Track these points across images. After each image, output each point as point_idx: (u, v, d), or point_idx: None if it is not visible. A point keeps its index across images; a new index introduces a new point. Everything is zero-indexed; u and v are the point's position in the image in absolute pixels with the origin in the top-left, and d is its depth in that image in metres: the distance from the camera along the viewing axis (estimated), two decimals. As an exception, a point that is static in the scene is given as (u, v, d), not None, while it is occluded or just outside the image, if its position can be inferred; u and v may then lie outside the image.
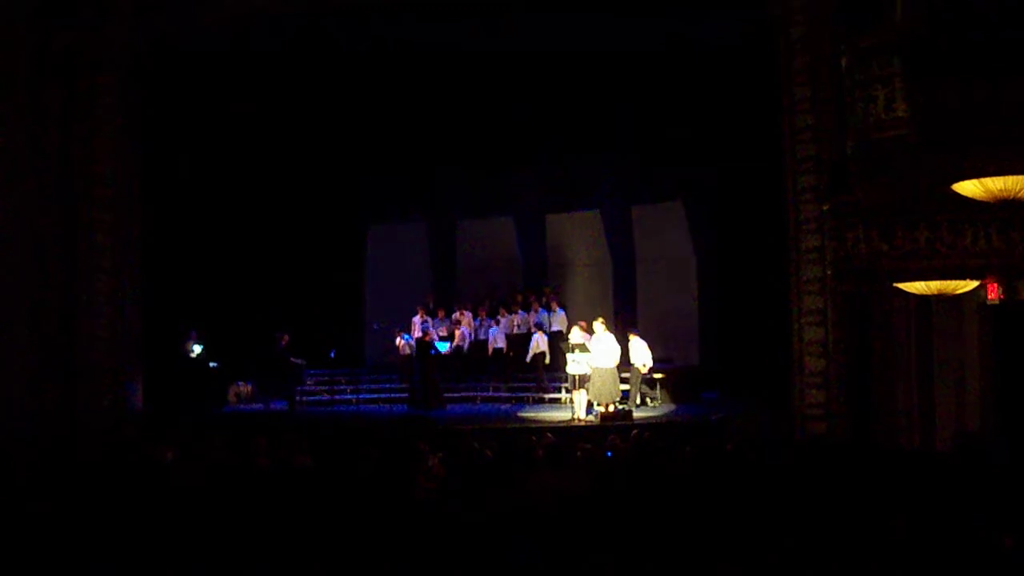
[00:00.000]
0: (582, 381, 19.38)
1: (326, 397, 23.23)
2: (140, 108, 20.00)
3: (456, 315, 24.22)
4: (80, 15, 18.71)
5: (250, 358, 22.94)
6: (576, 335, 20.17)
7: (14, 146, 17.91)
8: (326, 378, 23.74)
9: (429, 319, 23.82)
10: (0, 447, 12.02)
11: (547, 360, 22.80)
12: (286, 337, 22.49)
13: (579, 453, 12.18)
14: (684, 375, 22.70)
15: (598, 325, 19.78)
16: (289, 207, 24.39)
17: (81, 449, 12.35)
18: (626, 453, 12.55)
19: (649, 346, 21.24)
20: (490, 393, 23.39)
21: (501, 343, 23.59)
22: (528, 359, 22.99)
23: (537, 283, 25.15)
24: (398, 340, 23.83)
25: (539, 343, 23.17)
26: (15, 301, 17.73)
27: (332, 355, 22.77)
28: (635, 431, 14.85)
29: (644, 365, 20.61)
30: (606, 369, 19.46)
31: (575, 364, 19.73)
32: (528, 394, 22.92)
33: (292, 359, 22.58)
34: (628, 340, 20.55)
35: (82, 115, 18.86)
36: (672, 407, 21.20)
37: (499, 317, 23.92)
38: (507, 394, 23.18)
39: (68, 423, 17.43)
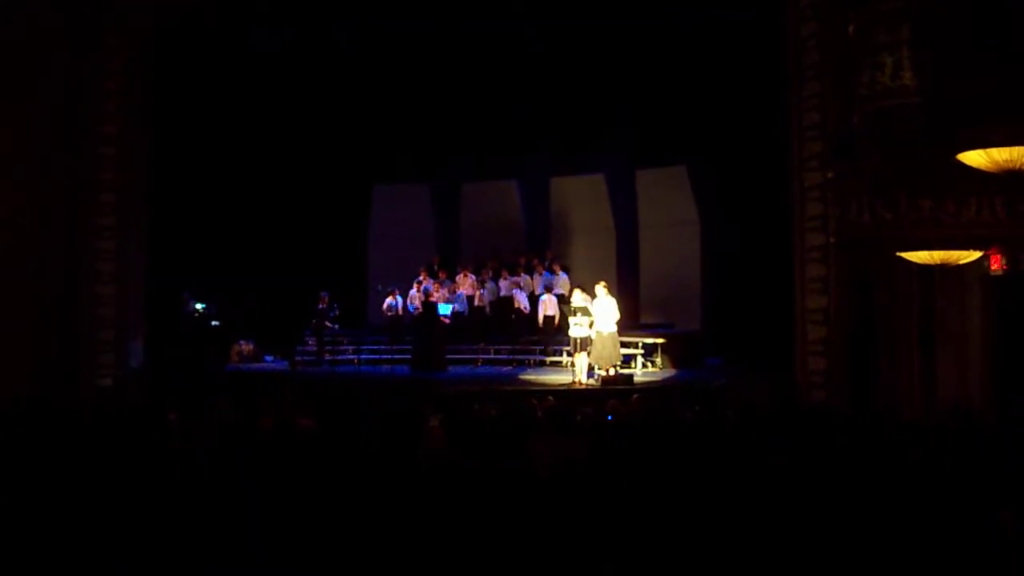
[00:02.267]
0: (583, 345, 19.29)
1: (328, 358, 23.35)
2: (148, 68, 19.99)
3: (459, 277, 24.08)
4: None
5: (252, 316, 23.22)
6: (578, 298, 19.98)
7: (18, 107, 17.88)
8: (328, 339, 23.60)
9: (431, 280, 23.72)
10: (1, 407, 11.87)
11: (556, 323, 22.64)
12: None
13: (579, 417, 12.17)
14: (686, 340, 22.63)
15: (600, 289, 19.67)
16: (293, 164, 24.41)
17: (82, 409, 12.18)
18: (627, 417, 12.52)
19: (652, 310, 21.02)
20: (491, 355, 23.32)
21: (524, 303, 23.50)
22: (540, 322, 22.96)
23: (540, 247, 25.01)
24: (386, 302, 23.73)
25: (548, 305, 23.12)
26: (17, 259, 17.68)
27: (333, 314, 22.78)
28: (636, 395, 14.80)
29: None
30: (608, 333, 19.41)
31: (576, 327, 19.72)
32: (529, 357, 22.84)
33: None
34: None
35: (90, 75, 18.85)
36: (673, 372, 21.14)
37: (501, 280, 23.88)
38: (508, 356, 23.10)
39: (69, 382, 17.48)
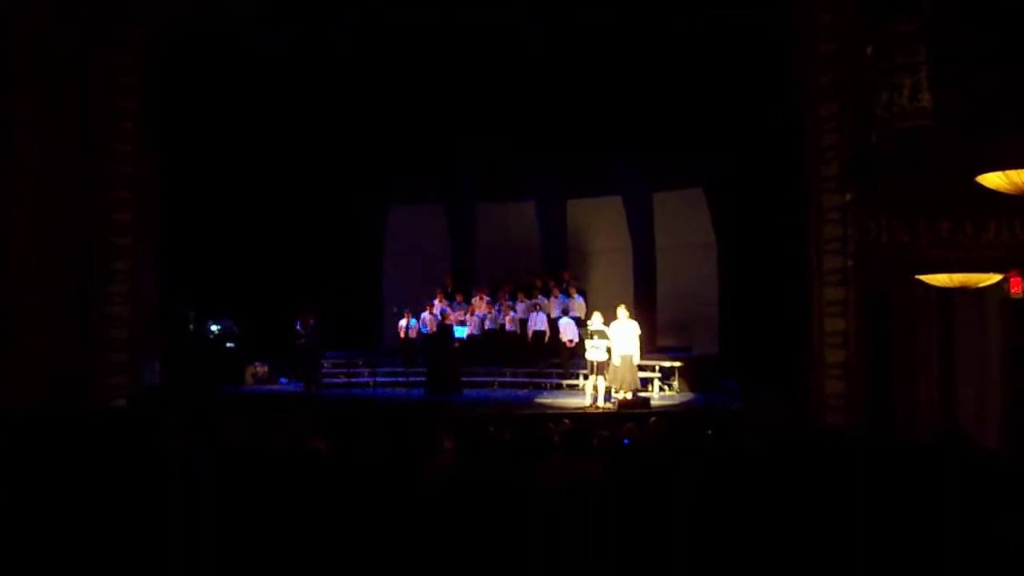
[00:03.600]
0: (600, 368, 19.19)
1: (343, 380, 23.19)
2: (159, 88, 19.76)
3: (475, 299, 23.88)
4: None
5: (267, 339, 23.04)
6: (596, 321, 19.93)
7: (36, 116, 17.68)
8: (343, 360, 23.47)
9: (447, 302, 23.60)
10: (14, 420, 11.87)
11: (573, 346, 22.48)
12: (310, 319, 22.54)
13: (595, 440, 11.99)
14: (703, 363, 22.57)
15: (621, 311, 19.58)
16: (308, 186, 24.15)
17: (93, 424, 12.34)
18: (643, 441, 12.34)
19: (669, 333, 20.84)
20: (507, 378, 23.19)
21: (542, 326, 23.22)
22: (568, 343, 22.62)
23: (557, 269, 24.76)
24: (401, 322, 23.52)
25: (566, 329, 22.92)
26: (34, 277, 17.48)
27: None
28: (653, 418, 14.66)
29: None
30: (626, 356, 19.29)
31: (594, 350, 19.66)
32: (546, 380, 22.77)
33: (300, 340, 22.49)
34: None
35: (102, 93, 18.60)
36: (690, 395, 20.98)
37: (518, 303, 23.69)
38: (525, 379, 23.05)
39: (83, 398, 17.30)
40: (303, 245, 23.41)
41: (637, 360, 19.26)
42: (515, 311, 23.60)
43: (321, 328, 22.38)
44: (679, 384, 21.36)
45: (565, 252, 25.25)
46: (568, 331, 22.43)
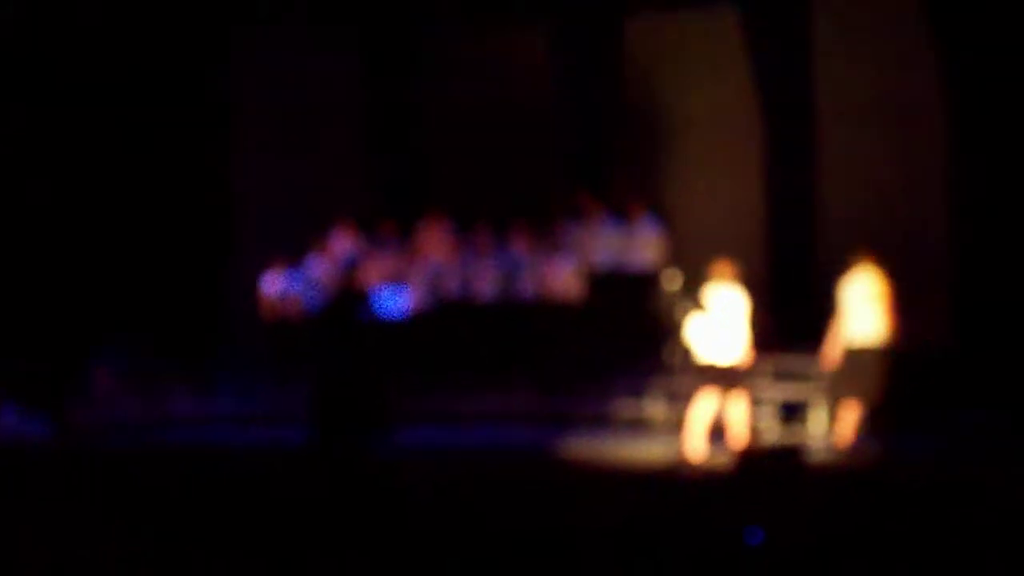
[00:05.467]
0: (717, 378, 11.93)
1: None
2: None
3: (424, 233, 14.99)
4: None
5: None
6: (675, 280, 13.21)
7: None
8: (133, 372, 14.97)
9: (363, 239, 14.89)
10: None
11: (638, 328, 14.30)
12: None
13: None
14: (918, 368, 13.10)
15: (722, 270, 11.91)
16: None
17: None
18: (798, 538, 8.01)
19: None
20: (491, 409, 14.82)
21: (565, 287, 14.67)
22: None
23: (595, 167, 15.54)
24: (268, 285, 15.03)
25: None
26: None
27: None
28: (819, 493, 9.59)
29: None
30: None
31: (703, 341, 12.04)
32: (575, 409, 14.35)
33: None
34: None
35: None
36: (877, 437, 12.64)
37: (513, 246, 14.83)
38: (530, 408, 14.53)
39: None
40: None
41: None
42: (510, 259, 14.95)
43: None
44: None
45: (618, 127, 15.73)
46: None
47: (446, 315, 14.39)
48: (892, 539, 8.20)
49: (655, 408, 13.52)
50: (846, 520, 8.72)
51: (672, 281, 13.20)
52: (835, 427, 12.17)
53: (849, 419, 11.89)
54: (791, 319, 13.26)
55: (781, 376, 12.97)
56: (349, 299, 12.26)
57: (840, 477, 11.27)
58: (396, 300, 13.83)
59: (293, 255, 14.74)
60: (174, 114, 16.19)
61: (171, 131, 16.19)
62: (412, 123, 16.43)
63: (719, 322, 11.95)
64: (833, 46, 14.33)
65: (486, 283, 14.23)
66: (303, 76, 16.23)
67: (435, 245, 14.56)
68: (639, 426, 13.59)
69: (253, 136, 16.39)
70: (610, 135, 15.70)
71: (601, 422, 13.77)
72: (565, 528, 8.50)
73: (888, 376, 11.96)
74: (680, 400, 12.36)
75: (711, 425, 11.75)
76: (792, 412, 13.04)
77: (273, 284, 14.49)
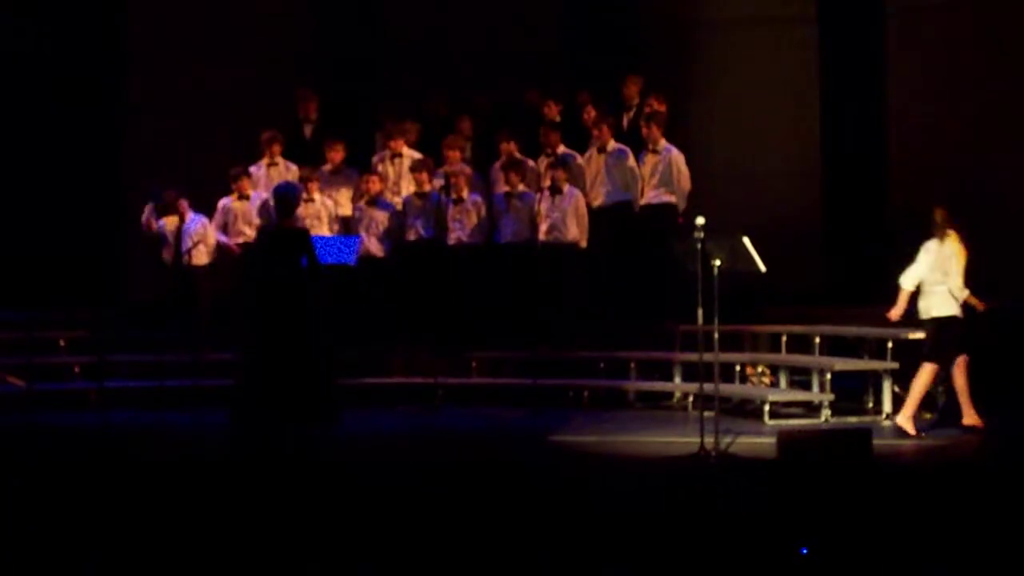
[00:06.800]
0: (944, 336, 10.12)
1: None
2: None
3: (382, 157, 12.17)
4: None
5: None
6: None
7: None
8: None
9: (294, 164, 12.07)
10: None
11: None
12: None
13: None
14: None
15: None
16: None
17: None
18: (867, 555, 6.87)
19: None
20: (469, 379, 12.21)
21: (565, 230, 12.11)
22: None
23: (606, 73, 12.98)
24: (157, 221, 12.24)
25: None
26: None
27: None
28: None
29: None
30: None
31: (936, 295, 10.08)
32: (577, 380, 11.92)
33: None
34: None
35: None
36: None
37: (496, 168, 12.24)
38: (523, 380, 11.68)
39: None
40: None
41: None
42: (508, 193, 12.14)
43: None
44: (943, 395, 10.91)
45: (630, 25, 13.42)
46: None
47: (410, 262, 11.92)
48: (983, 543, 6.98)
49: (678, 387, 11.50)
50: (925, 519, 7.48)
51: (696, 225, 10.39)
52: (906, 404, 10.31)
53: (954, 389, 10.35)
54: (851, 278, 11.65)
55: (836, 343, 11.11)
56: (283, 242, 9.86)
57: (915, 465, 9.65)
58: (345, 244, 11.49)
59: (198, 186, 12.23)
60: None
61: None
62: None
63: (941, 276, 10.34)
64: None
65: (463, 223, 11.71)
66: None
67: (398, 173, 12.02)
68: (665, 403, 11.60)
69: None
70: (627, 34, 13.27)
71: (608, 399, 11.65)
72: (577, 525, 7.17)
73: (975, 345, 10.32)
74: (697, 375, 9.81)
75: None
76: (850, 385, 11.03)
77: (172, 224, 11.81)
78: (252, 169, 12.01)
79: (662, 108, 11.75)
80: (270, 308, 9.95)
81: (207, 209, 11.80)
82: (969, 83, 12.29)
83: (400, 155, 11.89)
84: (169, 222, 11.89)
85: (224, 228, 11.96)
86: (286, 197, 9.92)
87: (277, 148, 12.03)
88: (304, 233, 10.09)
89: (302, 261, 9.91)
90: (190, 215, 11.75)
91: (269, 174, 12.01)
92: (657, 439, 10.29)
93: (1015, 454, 9.90)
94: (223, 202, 11.97)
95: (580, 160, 11.78)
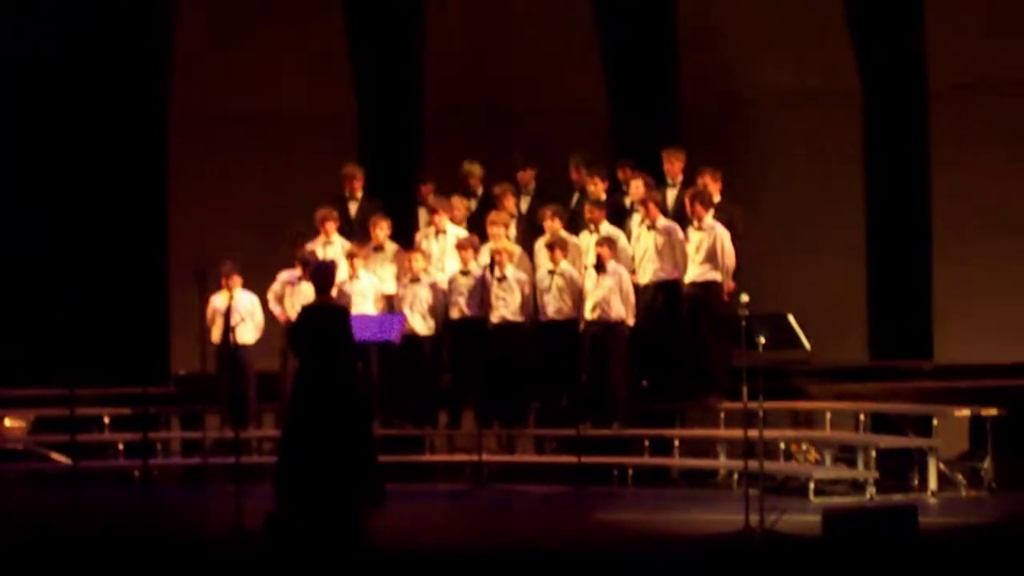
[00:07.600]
0: None
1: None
2: None
3: (435, 219, 12.34)
4: None
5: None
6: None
7: None
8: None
9: (341, 240, 12.10)
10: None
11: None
12: None
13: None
14: None
15: None
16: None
17: None
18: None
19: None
20: (513, 456, 12.40)
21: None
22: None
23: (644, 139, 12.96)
24: (217, 301, 12.28)
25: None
26: None
27: None
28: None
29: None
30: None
31: None
32: (609, 458, 12.02)
33: None
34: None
35: None
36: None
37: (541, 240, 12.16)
38: (552, 457, 12.33)
39: None
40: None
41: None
42: (552, 271, 12.06)
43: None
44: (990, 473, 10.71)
45: (683, 97, 13.75)
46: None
47: (454, 339, 12.02)
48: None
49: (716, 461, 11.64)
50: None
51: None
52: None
53: None
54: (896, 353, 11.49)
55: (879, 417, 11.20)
56: (322, 319, 10.01)
57: (962, 543, 9.17)
58: (387, 322, 11.61)
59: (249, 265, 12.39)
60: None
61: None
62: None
63: None
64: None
65: (507, 301, 11.71)
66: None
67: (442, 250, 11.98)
68: (711, 482, 11.75)
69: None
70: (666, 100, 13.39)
71: (653, 477, 11.84)
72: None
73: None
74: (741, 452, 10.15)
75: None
76: (894, 461, 10.91)
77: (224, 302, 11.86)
78: (309, 246, 12.09)
79: (716, 184, 11.56)
80: (312, 384, 10.01)
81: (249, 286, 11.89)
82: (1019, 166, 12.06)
83: (444, 232, 11.76)
84: (219, 297, 11.85)
85: (280, 300, 12.13)
86: (323, 274, 10.14)
87: (331, 226, 12.12)
88: (343, 311, 10.21)
89: (343, 337, 10.01)
90: (240, 291, 11.78)
91: (326, 254, 12.11)
92: (702, 517, 10.23)
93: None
94: (284, 275, 12.10)
95: (623, 239, 11.56)
